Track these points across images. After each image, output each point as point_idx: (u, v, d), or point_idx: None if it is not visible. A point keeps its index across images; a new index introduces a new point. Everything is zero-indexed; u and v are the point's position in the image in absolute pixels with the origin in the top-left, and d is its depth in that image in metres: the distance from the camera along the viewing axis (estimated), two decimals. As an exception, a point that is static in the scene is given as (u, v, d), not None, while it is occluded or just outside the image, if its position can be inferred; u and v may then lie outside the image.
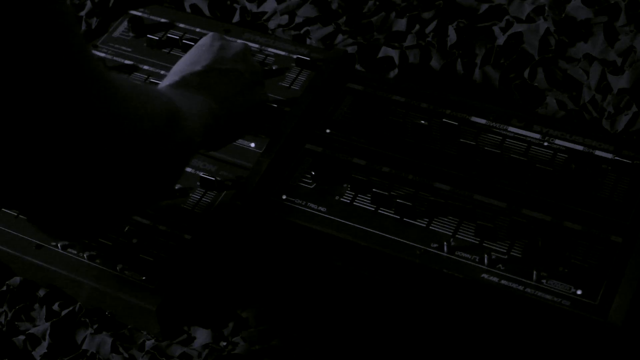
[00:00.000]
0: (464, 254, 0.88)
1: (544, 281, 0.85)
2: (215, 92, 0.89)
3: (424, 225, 0.90)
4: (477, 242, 0.88)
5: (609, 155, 0.93)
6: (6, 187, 0.67)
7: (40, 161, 0.65)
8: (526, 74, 1.07)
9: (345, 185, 0.94)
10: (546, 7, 1.12)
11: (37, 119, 0.63)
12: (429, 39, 1.13)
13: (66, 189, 0.67)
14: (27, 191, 0.67)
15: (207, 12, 1.18)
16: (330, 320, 0.90)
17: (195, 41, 1.10)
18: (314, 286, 0.93)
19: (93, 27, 1.17)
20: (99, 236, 0.93)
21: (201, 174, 0.98)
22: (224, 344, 0.90)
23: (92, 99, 0.65)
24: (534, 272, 0.85)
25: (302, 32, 1.15)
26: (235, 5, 1.20)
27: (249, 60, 0.95)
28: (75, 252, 0.95)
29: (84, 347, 0.91)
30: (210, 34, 0.96)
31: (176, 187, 0.98)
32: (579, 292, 0.84)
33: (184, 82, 0.88)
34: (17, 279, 0.97)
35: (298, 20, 1.16)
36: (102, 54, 1.13)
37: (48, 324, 0.92)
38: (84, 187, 0.68)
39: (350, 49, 1.11)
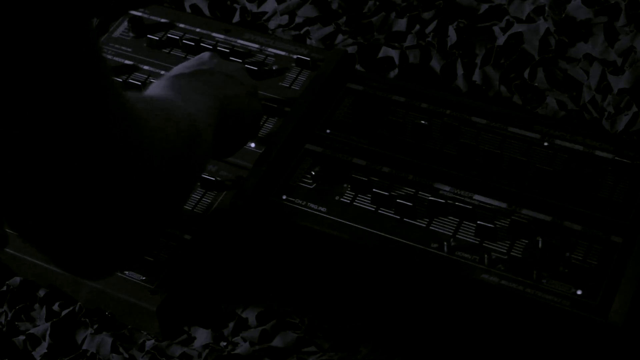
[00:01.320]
0: (464, 254, 0.88)
1: (544, 281, 0.85)
2: (221, 91, 0.87)
3: (424, 225, 0.90)
4: (477, 242, 0.88)
5: (609, 155, 0.93)
6: (24, 221, 0.63)
7: (59, 186, 0.61)
8: (526, 74, 1.07)
9: (345, 185, 0.94)
10: (546, 7, 1.12)
11: (55, 142, 0.59)
12: (429, 39, 1.13)
13: (85, 217, 0.63)
14: (45, 225, 0.63)
15: (207, 12, 1.18)
16: (329, 320, 0.90)
17: (195, 41, 1.10)
18: (314, 286, 0.93)
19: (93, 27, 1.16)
20: (117, 271, 0.87)
21: (201, 174, 0.98)
22: (224, 344, 0.90)
23: (108, 123, 0.61)
24: (534, 272, 0.85)
25: (302, 32, 1.15)
26: (235, 5, 1.20)
27: (246, 76, 0.95)
28: (75, 252, 0.95)
29: (84, 347, 0.91)
30: (208, 52, 0.95)
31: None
32: (579, 292, 0.84)
33: (190, 76, 0.86)
34: (17, 279, 0.97)
35: (298, 20, 1.16)
36: (102, 54, 1.13)
37: (48, 324, 0.92)
38: (101, 214, 0.63)
39: (350, 49, 1.11)
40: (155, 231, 0.70)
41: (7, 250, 0.96)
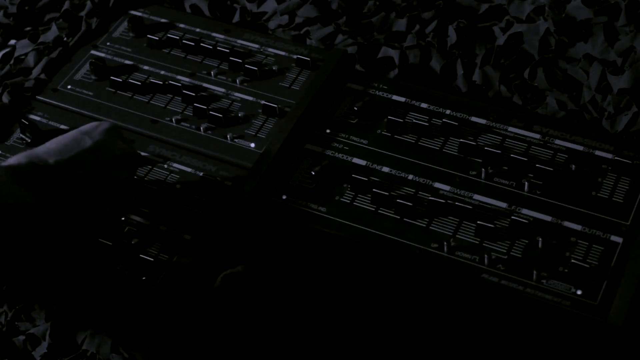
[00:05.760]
0: (464, 254, 0.88)
1: (544, 281, 0.85)
2: (51, 151, 0.87)
3: (424, 225, 0.90)
4: (477, 242, 0.88)
5: (609, 155, 0.93)
6: None
7: None
8: (526, 74, 1.07)
9: (345, 185, 0.94)
10: (546, 7, 1.12)
11: None
12: (429, 39, 1.13)
13: None
14: None
15: (207, 12, 1.18)
16: (329, 320, 0.90)
17: (195, 41, 1.10)
18: (314, 286, 0.93)
19: (93, 27, 1.17)
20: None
21: (201, 174, 0.98)
22: (224, 344, 0.90)
23: None
24: (534, 272, 0.85)
25: (302, 32, 1.15)
26: (235, 5, 1.20)
27: (115, 140, 0.92)
28: (75, 252, 0.95)
29: (84, 347, 0.91)
30: (102, 125, 0.93)
31: (177, 187, 0.98)
32: (579, 292, 0.84)
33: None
34: (16, 279, 0.97)
35: (298, 20, 1.16)
36: (102, 54, 1.13)
37: (48, 324, 0.92)
38: None
39: (350, 49, 1.11)
40: None
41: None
